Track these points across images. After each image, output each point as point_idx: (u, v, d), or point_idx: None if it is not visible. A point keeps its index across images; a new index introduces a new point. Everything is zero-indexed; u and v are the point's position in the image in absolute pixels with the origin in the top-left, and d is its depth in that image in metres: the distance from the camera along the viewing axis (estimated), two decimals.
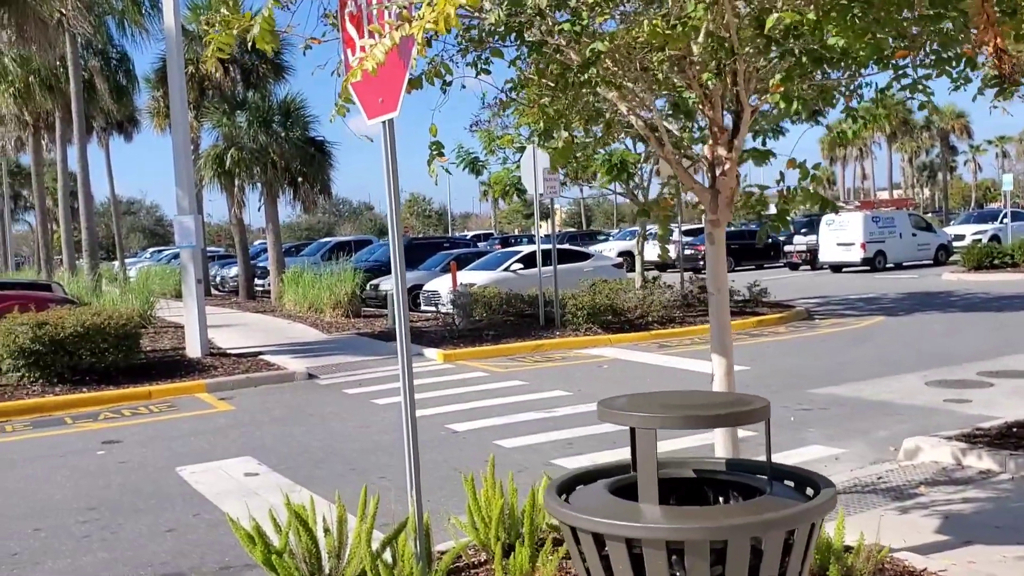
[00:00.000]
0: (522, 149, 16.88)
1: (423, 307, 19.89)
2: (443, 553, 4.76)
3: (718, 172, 4.22)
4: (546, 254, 20.92)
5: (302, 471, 7.43)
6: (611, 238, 42.62)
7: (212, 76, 23.63)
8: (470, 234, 45.36)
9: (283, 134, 22.74)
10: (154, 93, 26.89)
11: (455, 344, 14.16)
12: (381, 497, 6.58)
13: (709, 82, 3.87)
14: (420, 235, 57.06)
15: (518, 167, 17.08)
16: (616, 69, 3.86)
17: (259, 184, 23.44)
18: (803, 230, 34.40)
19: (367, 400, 10.49)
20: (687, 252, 33.92)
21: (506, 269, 19.85)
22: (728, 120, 4.31)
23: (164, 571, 5.36)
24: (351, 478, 7.14)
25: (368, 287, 20.86)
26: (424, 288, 20.08)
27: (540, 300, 15.74)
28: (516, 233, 64.05)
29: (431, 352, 13.71)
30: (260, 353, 14.01)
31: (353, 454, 7.96)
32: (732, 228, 39.74)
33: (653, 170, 17.08)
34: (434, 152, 4.53)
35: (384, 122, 4.02)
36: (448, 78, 4.54)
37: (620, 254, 33.49)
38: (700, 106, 3.98)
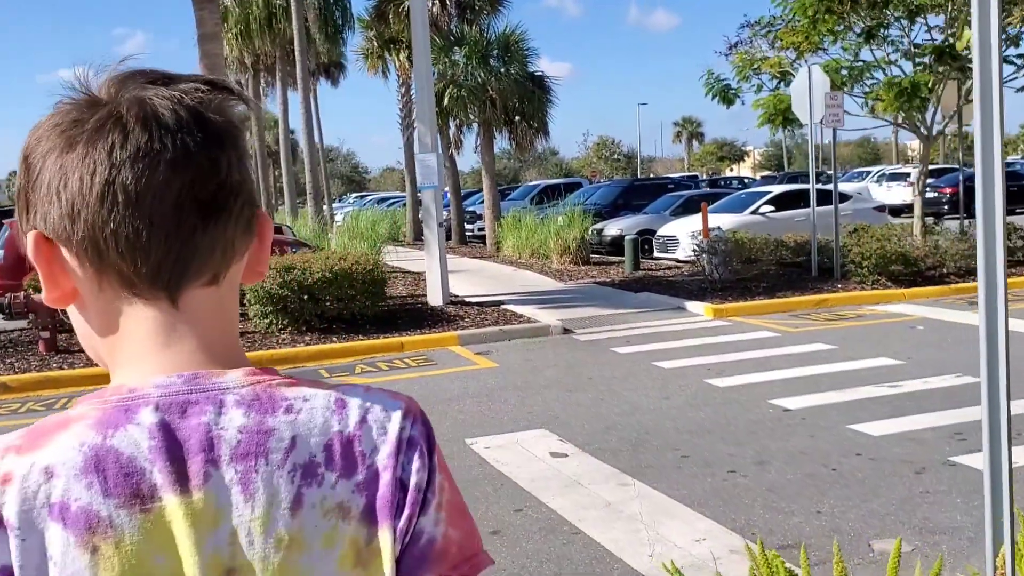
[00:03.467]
0: (783, 74, 14.87)
1: (655, 254, 18.33)
2: None
3: None
4: (798, 195, 18.82)
5: (621, 456, 6.10)
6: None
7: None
8: (675, 176, 43.01)
9: (501, 70, 21.53)
10: (367, 33, 26.33)
11: (719, 297, 12.52)
12: (741, 499, 5.14)
13: None
14: (612, 177, 54.98)
15: (775, 93, 15.07)
16: None
17: (475, 124, 22.45)
18: None
19: (647, 363, 9.08)
20: (929, 195, 30.46)
21: (754, 212, 17.94)
22: None
23: None
24: (691, 470, 5.73)
25: (590, 232, 19.45)
26: (658, 233, 18.49)
27: (814, 247, 13.79)
28: (708, 175, 60.44)
29: (694, 306, 12.14)
30: (501, 303, 12.92)
31: (674, 435, 6.55)
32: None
33: (940, 97, 14.58)
34: None
35: None
36: None
37: None
38: None
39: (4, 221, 13.62)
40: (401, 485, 0.77)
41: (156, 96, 0.75)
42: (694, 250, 14.41)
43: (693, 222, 17.84)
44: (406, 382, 8.78)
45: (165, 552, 0.70)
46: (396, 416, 0.79)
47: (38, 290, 11.72)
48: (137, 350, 0.77)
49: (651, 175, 73.25)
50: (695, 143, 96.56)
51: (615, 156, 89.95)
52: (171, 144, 0.73)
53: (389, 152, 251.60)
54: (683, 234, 17.53)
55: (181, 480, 0.71)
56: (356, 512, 0.75)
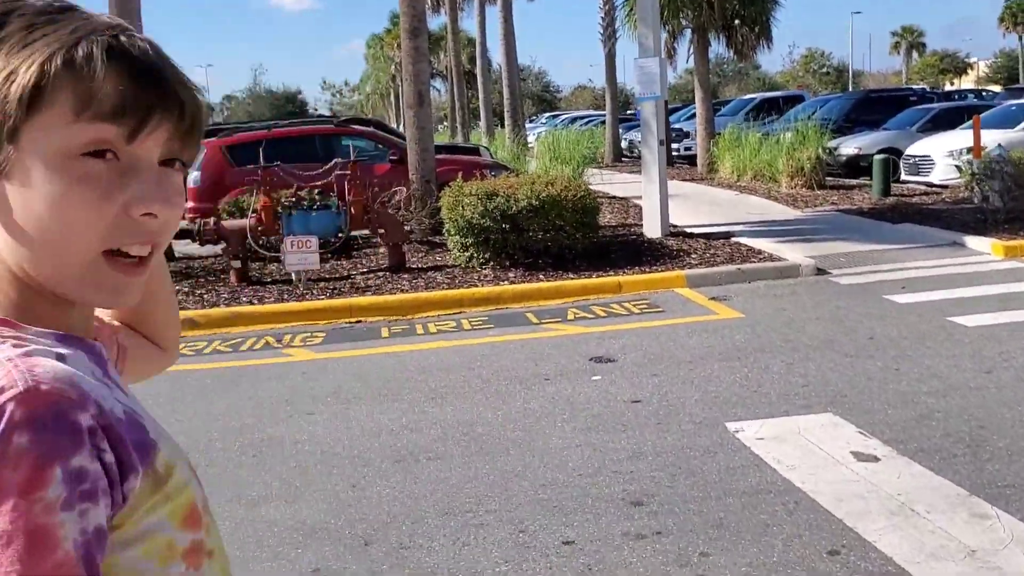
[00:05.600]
0: None
1: (903, 176, 15.77)
2: None
3: None
4: None
5: (958, 464, 4.35)
6: None
7: None
8: (917, 87, 38.35)
9: None
10: None
11: (1006, 232, 10.16)
12: None
13: None
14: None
15: None
16: None
17: (687, 31, 20.26)
18: None
19: (940, 318, 7.12)
20: None
21: None
22: None
23: None
24: None
25: (819, 150, 17.00)
26: (907, 153, 15.88)
27: None
28: (930, 89, 53.82)
29: (976, 242, 9.89)
30: (730, 234, 11.12)
31: (1023, 432, 4.72)
32: None
33: None
34: None
35: None
36: None
37: None
38: None
39: (202, 143, 13.09)
40: None
41: None
42: (972, 173, 11.83)
43: (950, 139, 15.20)
44: (631, 333, 7.30)
45: None
46: None
47: (232, 214, 11.11)
48: None
49: (861, 88, 67.18)
50: (914, 54, 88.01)
51: (824, 69, 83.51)
52: None
53: (579, 70, 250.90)
54: (939, 153, 14.92)
55: None
56: None
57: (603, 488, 4.31)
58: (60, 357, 0.76)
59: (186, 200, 0.89)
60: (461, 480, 4.50)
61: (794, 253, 9.73)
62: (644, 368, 6.29)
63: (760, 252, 9.92)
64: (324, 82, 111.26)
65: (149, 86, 0.77)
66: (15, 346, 0.75)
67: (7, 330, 0.77)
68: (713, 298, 8.43)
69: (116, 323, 1.06)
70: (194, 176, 12.31)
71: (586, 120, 37.17)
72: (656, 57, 10.61)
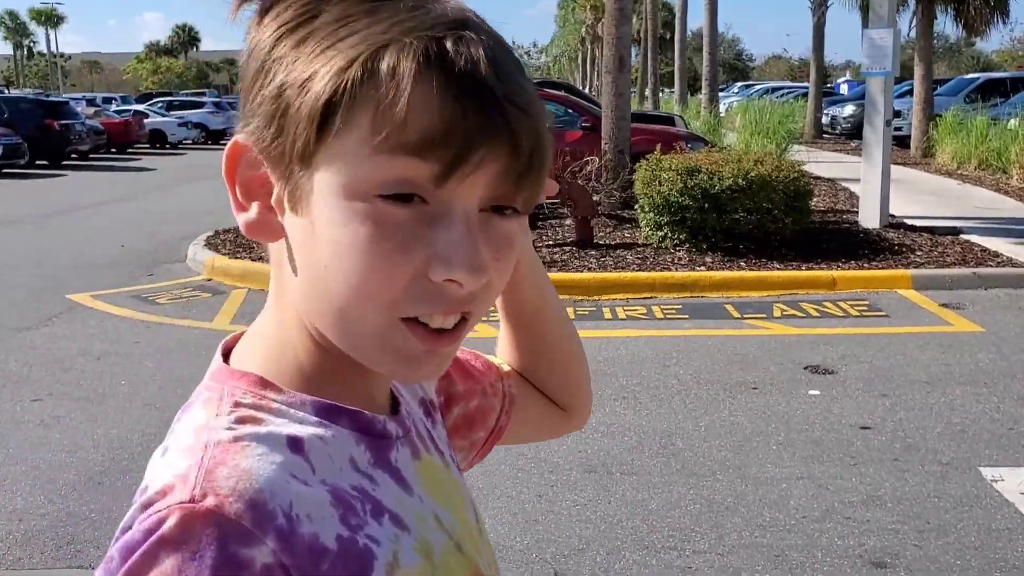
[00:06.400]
0: None
1: None
2: None
3: None
4: None
5: None
6: None
7: None
8: None
9: None
10: None
11: None
12: None
13: None
14: None
15: None
16: None
17: (911, 1, 18.47)
18: None
19: None
20: None
21: None
22: None
23: None
24: None
25: None
26: None
27: None
28: None
29: None
30: (956, 230, 9.88)
31: None
32: None
33: None
34: None
35: None
36: None
37: None
38: None
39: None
40: None
41: None
42: None
43: None
44: (850, 339, 6.45)
45: None
46: (129, 522, 0.56)
47: None
48: None
49: None
50: None
51: None
52: None
53: (774, 39, 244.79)
54: None
55: None
56: None
57: (834, 538, 3.64)
58: (293, 442, 0.61)
59: (516, 252, 0.63)
60: (662, 506, 3.94)
61: None
62: (871, 385, 5.48)
63: (997, 255, 8.71)
64: (512, 43, 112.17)
65: (472, 111, 0.55)
66: (239, 421, 0.61)
67: (255, 393, 0.64)
68: (944, 305, 7.40)
69: (507, 367, 0.94)
70: None
71: (784, 92, 35.19)
72: (890, 28, 9.46)
